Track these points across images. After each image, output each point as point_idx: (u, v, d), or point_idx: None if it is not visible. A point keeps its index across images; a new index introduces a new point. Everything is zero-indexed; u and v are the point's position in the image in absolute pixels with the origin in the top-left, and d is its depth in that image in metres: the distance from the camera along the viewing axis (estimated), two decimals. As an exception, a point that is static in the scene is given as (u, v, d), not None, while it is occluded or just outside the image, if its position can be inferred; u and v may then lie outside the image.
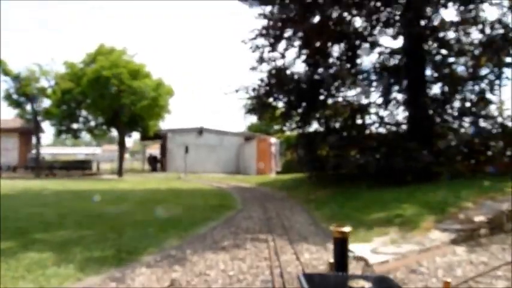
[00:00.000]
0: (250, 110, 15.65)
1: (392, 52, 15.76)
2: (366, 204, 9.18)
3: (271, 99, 15.73)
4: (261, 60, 14.18)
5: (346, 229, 1.39)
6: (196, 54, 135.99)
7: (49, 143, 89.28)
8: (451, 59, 15.51)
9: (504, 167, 12.93)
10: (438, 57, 15.44)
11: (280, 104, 16.52)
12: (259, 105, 15.22)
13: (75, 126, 32.26)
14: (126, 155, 60.96)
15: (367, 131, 15.24)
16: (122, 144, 26.44)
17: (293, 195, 13.70)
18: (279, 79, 14.21)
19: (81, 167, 29.30)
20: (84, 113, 30.43)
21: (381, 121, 16.25)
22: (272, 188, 17.07)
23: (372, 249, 5.68)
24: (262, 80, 14.17)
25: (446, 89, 15.37)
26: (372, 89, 17.01)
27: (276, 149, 29.87)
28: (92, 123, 32.32)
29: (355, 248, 5.76)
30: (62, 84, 27.76)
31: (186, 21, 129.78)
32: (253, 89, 14.16)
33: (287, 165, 26.60)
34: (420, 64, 14.73)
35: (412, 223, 6.84)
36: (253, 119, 43.41)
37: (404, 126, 15.57)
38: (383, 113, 16.45)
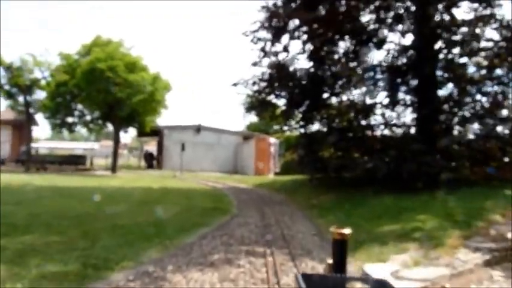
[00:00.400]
0: (250, 108, 14.57)
1: (402, 50, 14.71)
2: (376, 213, 8.12)
3: (271, 97, 14.68)
4: (264, 52, 13.07)
5: (346, 231, 1.30)
6: (195, 53, 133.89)
7: (47, 137, 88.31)
8: (463, 59, 14.48)
9: (508, 171, 11.97)
10: (449, 57, 14.42)
11: (281, 102, 15.49)
12: (259, 102, 14.15)
13: (70, 119, 31.22)
14: (124, 151, 59.78)
15: (373, 133, 14.19)
16: (116, 140, 25.33)
17: (293, 199, 12.64)
18: (280, 73, 13.13)
19: (74, 162, 28.16)
20: (80, 106, 29.46)
21: (387, 123, 15.19)
22: (270, 189, 16.00)
23: (393, 272, 4.61)
24: (263, 74, 13.09)
25: (457, 90, 14.38)
26: (378, 88, 16.00)
27: (275, 149, 28.80)
28: (88, 118, 31.32)
29: (372, 269, 4.69)
30: (57, 77, 26.70)
31: (186, 20, 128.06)
32: (254, 83, 13.07)
33: (286, 166, 25.53)
34: (431, 63, 13.67)
35: (434, 239, 5.76)
36: (252, 118, 42.40)
37: (412, 129, 14.54)
38: (389, 114, 15.41)
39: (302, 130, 15.60)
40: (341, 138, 13.52)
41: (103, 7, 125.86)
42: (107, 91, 21.39)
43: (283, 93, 14.70)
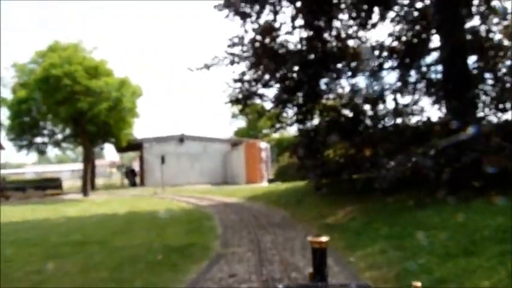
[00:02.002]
0: (233, 101, 10.93)
1: (418, 15, 11.31)
2: (455, 244, 4.53)
3: (258, 86, 11.10)
4: (243, 20, 9.38)
5: (324, 239, 1.17)
6: (183, 55, 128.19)
7: (34, 162, 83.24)
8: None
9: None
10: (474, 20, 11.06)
11: (271, 93, 11.98)
12: (243, 92, 10.54)
13: (39, 140, 27.30)
14: (113, 170, 55.49)
15: (395, 122, 10.72)
16: (87, 157, 21.41)
17: (299, 217, 9.01)
18: (267, 51, 9.55)
19: (44, 186, 24.13)
20: (50, 125, 25.65)
21: (403, 110, 11.66)
22: (267, 203, 12.33)
23: None
24: (244, 48, 9.39)
25: (483, 62, 11.06)
26: (387, 69, 12.53)
27: (267, 154, 25.19)
28: (59, 136, 27.43)
29: None
30: (18, 92, 22.86)
31: (186, 19, 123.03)
32: (232, 62, 9.40)
33: (280, 172, 21.95)
34: (458, 27, 10.25)
35: None
36: (239, 123, 38.74)
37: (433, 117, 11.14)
38: (403, 100, 11.96)
39: (299, 127, 12.06)
40: (352, 131, 10.05)
41: (103, 7, 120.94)
42: (66, 101, 17.55)
43: (272, 81, 11.15)
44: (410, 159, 6.85)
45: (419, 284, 1.05)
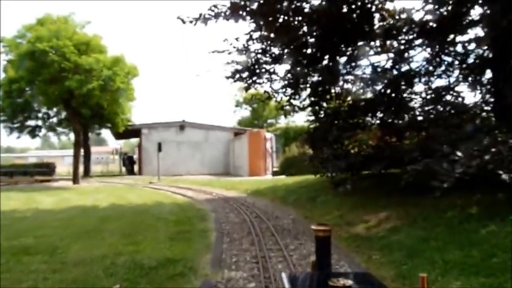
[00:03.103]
0: (235, 76, 8.83)
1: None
2: None
3: (267, 59, 9.00)
4: None
5: (327, 227, 1.19)
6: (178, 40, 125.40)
7: (37, 146, 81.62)
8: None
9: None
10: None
11: (281, 71, 9.91)
12: (248, 66, 8.43)
13: (32, 123, 25.41)
14: (115, 157, 53.59)
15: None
16: (77, 143, 19.42)
17: (315, 221, 6.98)
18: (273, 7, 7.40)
19: (31, 172, 22.34)
20: (44, 107, 23.71)
21: (437, 96, 9.49)
22: (273, 199, 10.30)
23: None
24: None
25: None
26: (416, 47, 10.34)
27: (272, 145, 23.13)
28: (55, 120, 25.54)
29: None
30: (10, 72, 20.87)
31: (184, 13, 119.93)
32: (234, 15, 7.10)
33: (286, 163, 19.87)
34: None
35: None
36: (243, 112, 36.59)
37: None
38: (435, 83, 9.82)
39: (314, 109, 9.97)
40: (390, 113, 7.99)
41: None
42: (56, 81, 15.49)
43: (284, 54, 9.04)
44: (489, 148, 4.76)
45: (424, 274, 1.06)
